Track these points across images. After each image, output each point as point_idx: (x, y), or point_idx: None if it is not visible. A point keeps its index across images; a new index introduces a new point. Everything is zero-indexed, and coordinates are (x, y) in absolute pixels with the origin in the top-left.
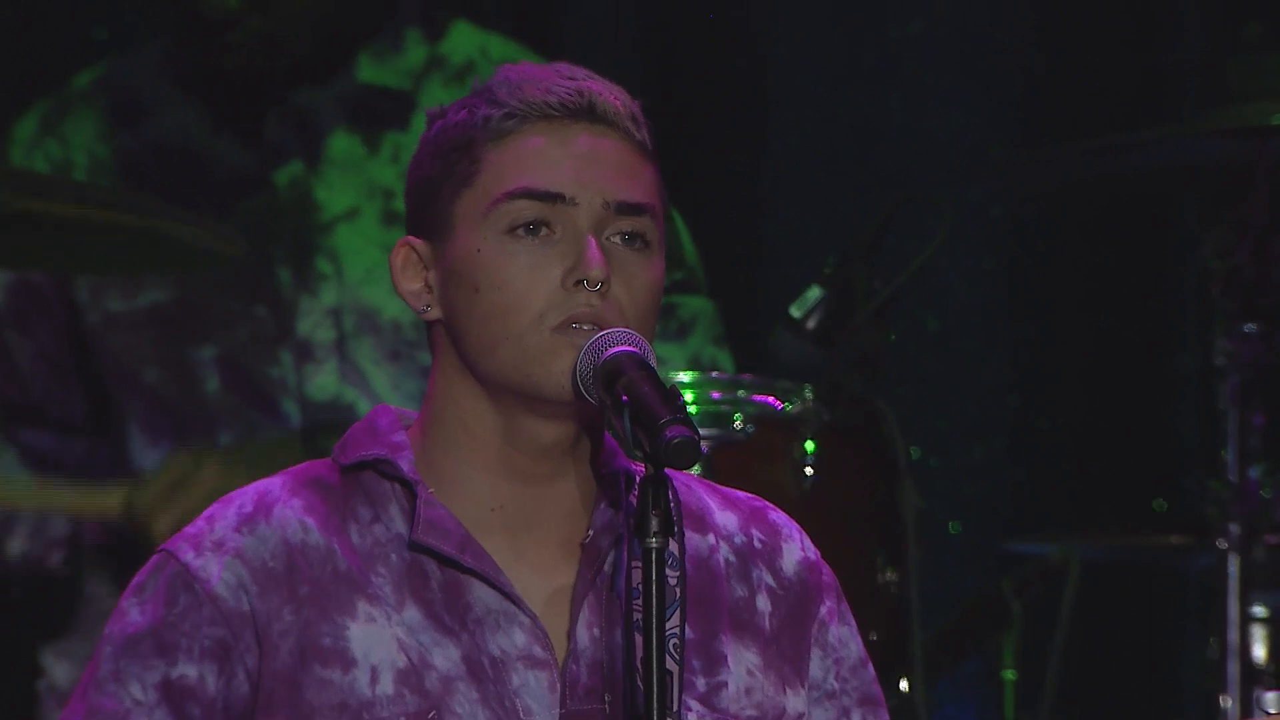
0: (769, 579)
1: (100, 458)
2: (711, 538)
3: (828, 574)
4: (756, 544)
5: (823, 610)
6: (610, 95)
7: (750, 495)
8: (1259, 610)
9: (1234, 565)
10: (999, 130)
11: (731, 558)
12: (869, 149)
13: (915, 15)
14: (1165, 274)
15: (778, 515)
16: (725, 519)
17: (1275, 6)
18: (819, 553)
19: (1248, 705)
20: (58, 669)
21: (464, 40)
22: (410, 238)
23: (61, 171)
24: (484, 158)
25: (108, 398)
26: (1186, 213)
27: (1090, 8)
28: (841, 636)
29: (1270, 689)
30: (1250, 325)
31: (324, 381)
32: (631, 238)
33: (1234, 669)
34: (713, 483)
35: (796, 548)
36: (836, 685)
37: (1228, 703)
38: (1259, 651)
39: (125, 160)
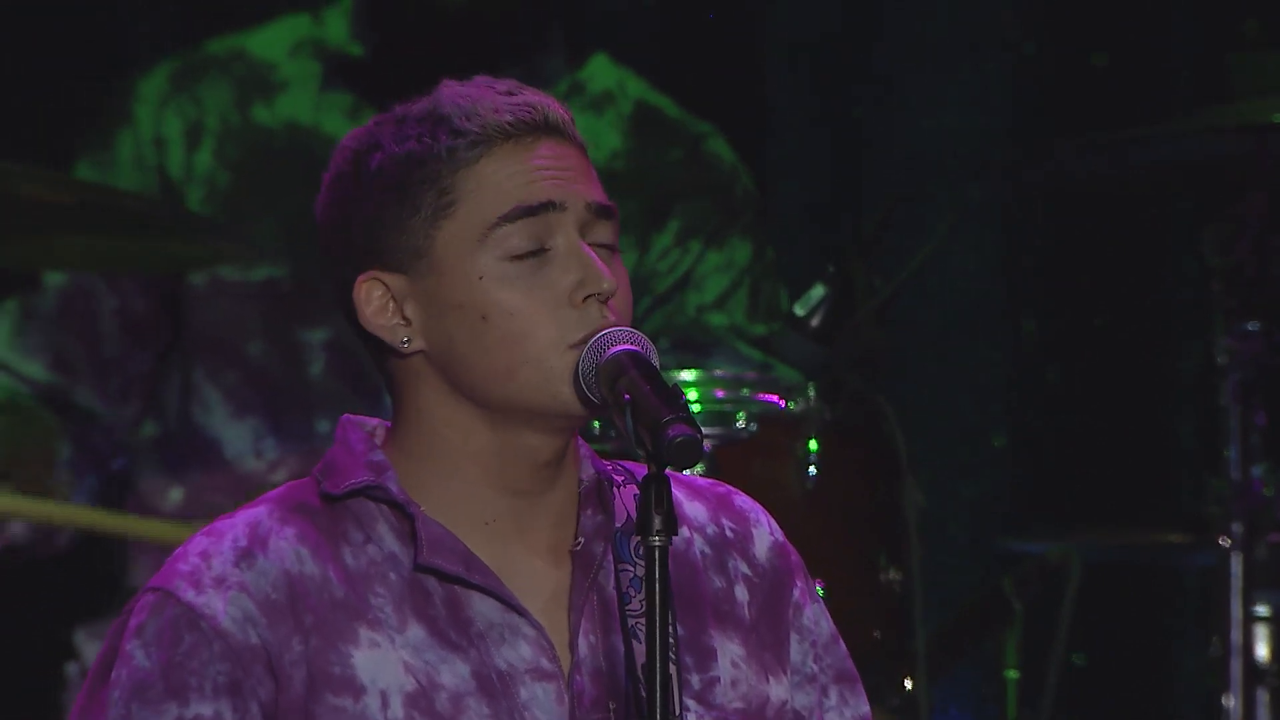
0: (744, 568)
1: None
2: (685, 530)
3: (794, 553)
4: (728, 533)
5: (795, 593)
6: (552, 104)
7: (711, 480)
8: (1262, 609)
9: (1236, 564)
10: (999, 128)
11: (707, 549)
12: (870, 148)
13: (914, 14)
14: (1165, 272)
15: (742, 500)
16: (694, 510)
17: (1274, 4)
18: (793, 532)
19: (1250, 704)
20: (90, 649)
21: (603, 72)
22: (374, 272)
23: (192, 133)
24: (457, 188)
25: (174, 365)
26: (1186, 210)
27: (1090, 6)
28: (814, 616)
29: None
30: (1251, 323)
31: None
32: (610, 242)
33: (1236, 668)
34: (672, 473)
35: (765, 532)
36: (815, 668)
37: (1230, 702)
38: (1261, 650)
39: (256, 132)
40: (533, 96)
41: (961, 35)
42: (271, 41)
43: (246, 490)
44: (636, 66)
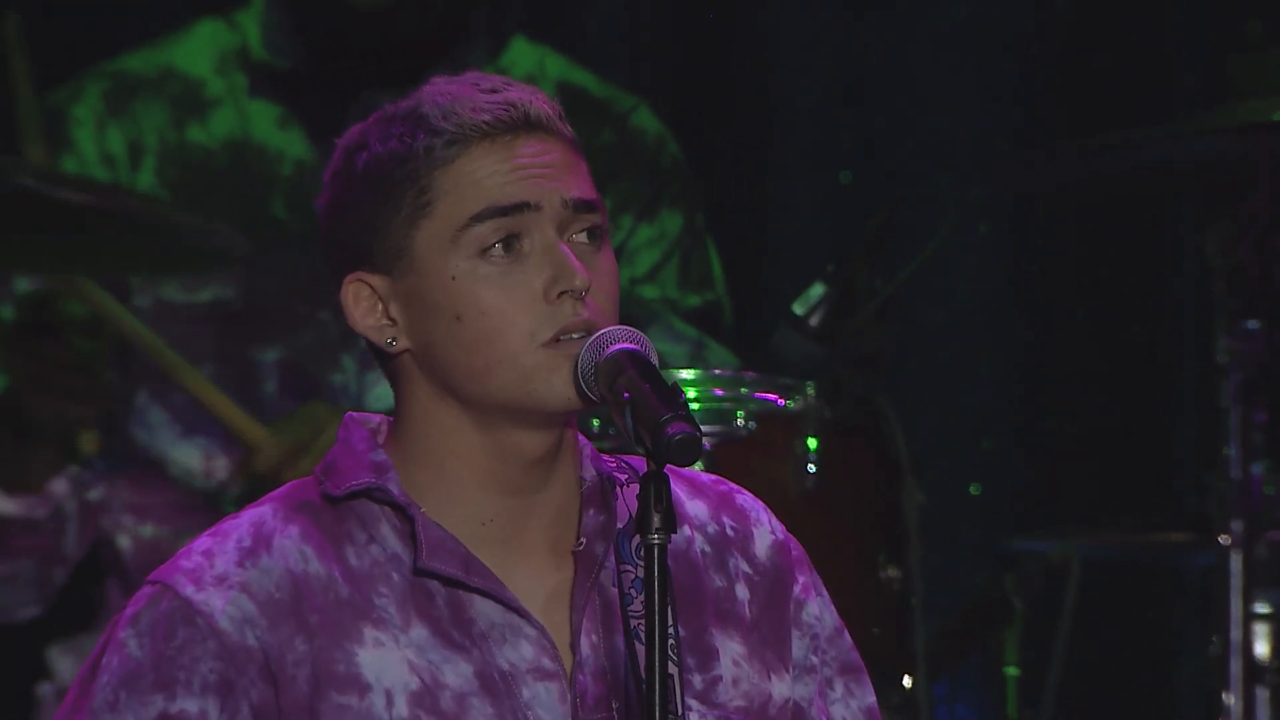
0: (745, 566)
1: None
2: (686, 529)
3: (795, 548)
4: (729, 532)
5: (796, 589)
6: (537, 100)
7: (715, 478)
8: (1261, 607)
9: (1236, 563)
10: (1001, 128)
11: (707, 548)
12: (872, 148)
13: (919, 14)
14: (1167, 271)
15: (744, 498)
16: (696, 508)
17: (1276, 4)
18: (792, 529)
19: (1250, 702)
20: (63, 668)
21: (523, 56)
22: (360, 273)
23: (134, 152)
24: (435, 187)
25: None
26: (1188, 210)
27: (1092, 6)
28: (817, 610)
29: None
30: (1252, 322)
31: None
32: (592, 233)
33: (1236, 666)
34: (674, 469)
35: (766, 530)
36: (815, 659)
37: (1230, 700)
38: (1261, 649)
39: (194, 152)
40: (515, 93)
41: (966, 36)
42: (195, 55)
43: (193, 510)
44: (643, 66)
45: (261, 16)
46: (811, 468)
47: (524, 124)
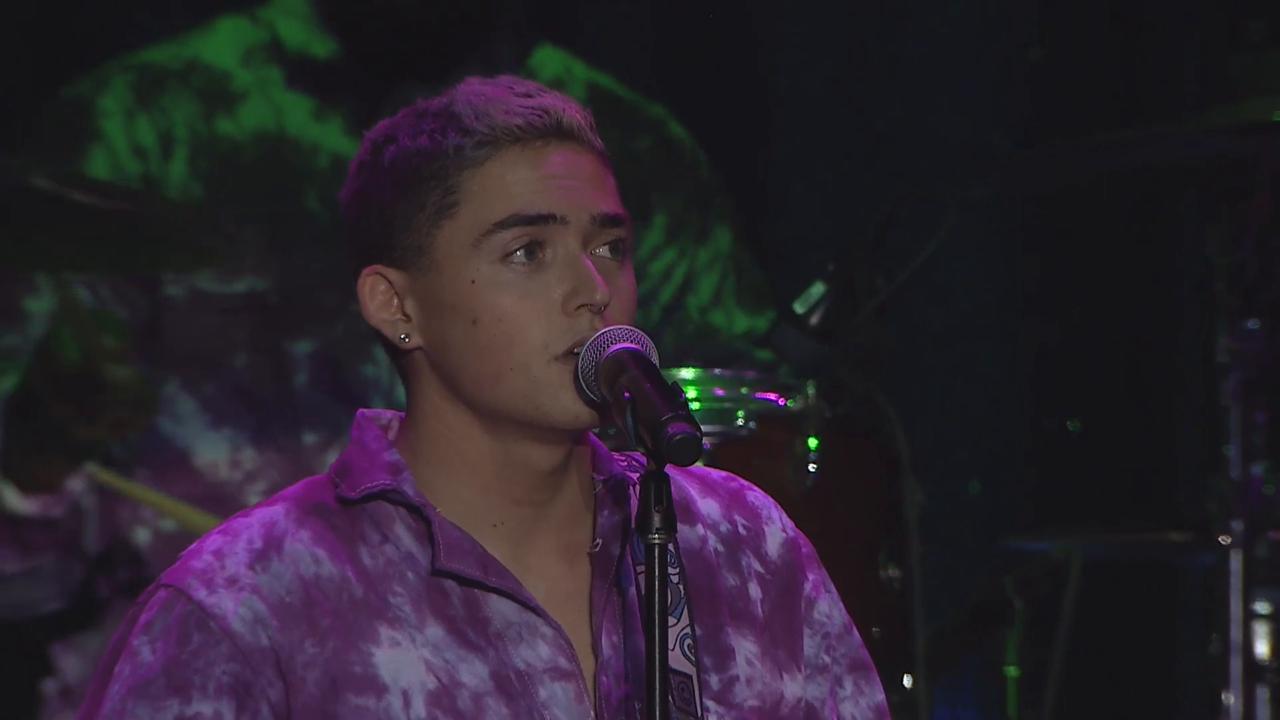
0: (757, 565)
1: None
2: (700, 528)
3: (805, 545)
4: (741, 530)
5: (807, 587)
6: (570, 109)
7: (725, 474)
8: (1261, 607)
9: (1236, 562)
10: (1003, 127)
11: (720, 547)
12: (874, 147)
13: (919, 13)
14: (1168, 271)
15: (755, 495)
16: (708, 507)
17: (1276, 4)
18: (797, 528)
19: (1250, 702)
20: (67, 665)
21: (549, 60)
22: (379, 266)
23: (165, 143)
24: (462, 187)
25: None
26: (1189, 209)
27: (1094, 5)
28: (827, 608)
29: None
30: (1253, 322)
31: None
32: (615, 247)
33: (1236, 666)
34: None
35: (777, 528)
36: (827, 659)
37: (1230, 699)
38: (1261, 648)
39: (224, 144)
40: (549, 100)
41: (967, 36)
42: (219, 49)
43: (215, 502)
44: (644, 65)
45: (300, 6)
46: (812, 467)
47: (556, 131)
